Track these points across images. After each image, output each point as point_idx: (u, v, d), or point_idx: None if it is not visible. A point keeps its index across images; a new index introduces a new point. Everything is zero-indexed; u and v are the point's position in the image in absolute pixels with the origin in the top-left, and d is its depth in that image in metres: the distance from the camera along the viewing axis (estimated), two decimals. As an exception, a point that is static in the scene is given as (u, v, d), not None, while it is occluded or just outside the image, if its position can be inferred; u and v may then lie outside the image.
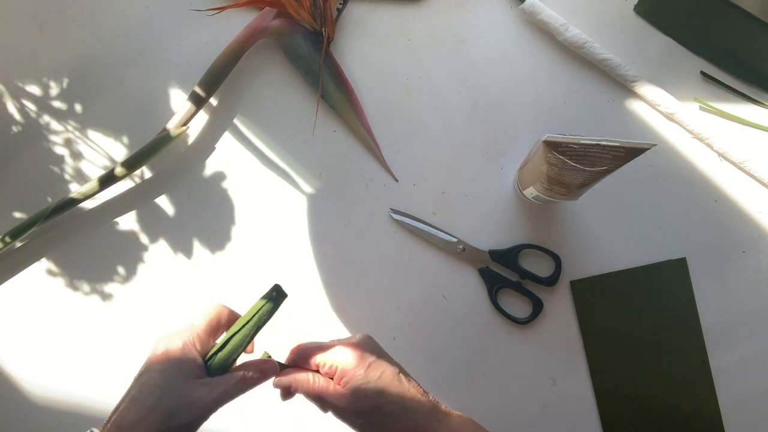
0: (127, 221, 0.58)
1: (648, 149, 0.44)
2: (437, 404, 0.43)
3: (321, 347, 0.44)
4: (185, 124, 0.56)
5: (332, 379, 0.43)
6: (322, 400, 0.43)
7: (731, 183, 0.57)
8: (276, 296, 0.44)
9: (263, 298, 0.44)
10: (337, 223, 0.58)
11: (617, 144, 0.44)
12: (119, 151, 0.58)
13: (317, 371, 0.44)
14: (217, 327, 0.44)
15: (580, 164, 0.45)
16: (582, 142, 0.44)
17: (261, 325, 0.43)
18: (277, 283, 0.44)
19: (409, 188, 0.58)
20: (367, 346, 0.44)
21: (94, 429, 0.39)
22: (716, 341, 0.56)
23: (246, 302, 0.56)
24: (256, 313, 0.43)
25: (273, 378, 0.44)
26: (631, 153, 0.44)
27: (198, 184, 0.58)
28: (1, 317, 0.58)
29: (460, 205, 0.58)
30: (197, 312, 0.45)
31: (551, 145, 0.44)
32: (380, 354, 0.44)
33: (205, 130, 0.59)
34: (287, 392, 0.44)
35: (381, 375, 0.42)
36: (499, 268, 0.57)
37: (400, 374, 0.43)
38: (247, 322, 0.43)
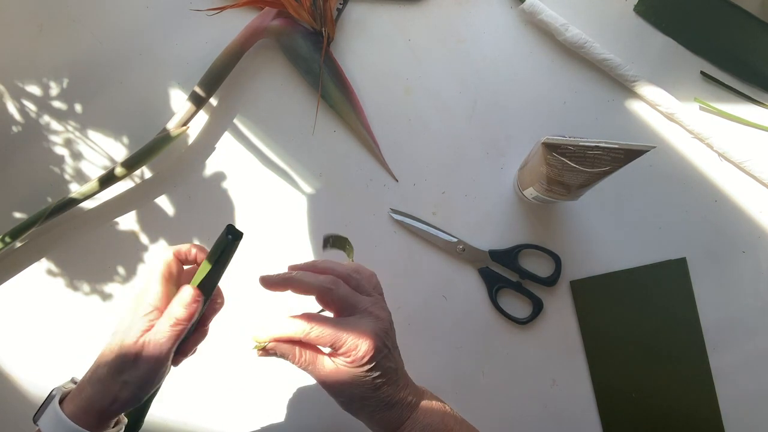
0: (127, 221, 0.58)
1: (647, 151, 0.44)
2: (416, 400, 0.43)
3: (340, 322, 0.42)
4: (185, 124, 0.56)
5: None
6: (311, 370, 0.42)
7: (731, 183, 0.57)
8: (232, 239, 0.41)
9: (219, 241, 0.42)
10: (337, 223, 0.58)
11: (616, 146, 0.44)
12: (119, 151, 0.58)
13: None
14: (172, 278, 0.43)
15: (580, 165, 0.45)
16: (581, 144, 0.44)
17: (221, 268, 0.42)
18: (230, 224, 0.42)
19: (409, 188, 0.58)
20: (387, 338, 0.43)
21: (74, 378, 0.43)
22: (716, 341, 0.56)
23: (245, 304, 0.56)
24: (218, 257, 0.41)
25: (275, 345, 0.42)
26: (630, 155, 0.44)
27: (198, 184, 0.58)
28: (1, 317, 0.58)
29: (460, 205, 0.58)
30: (149, 271, 0.44)
31: (551, 147, 0.44)
32: (392, 347, 0.43)
33: (205, 130, 0.59)
34: (268, 353, 0.43)
35: (381, 373, 0.41)
36: (499, 268, 0.57)
37: (398, 371, 0.43)
38: (214, 266, 0.41)
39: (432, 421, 0.43)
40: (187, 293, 0.41)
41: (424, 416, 0.43)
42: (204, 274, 0.42)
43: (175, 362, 0.44)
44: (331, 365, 0.42)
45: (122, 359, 0.39)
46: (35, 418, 0.40)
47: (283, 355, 0.42)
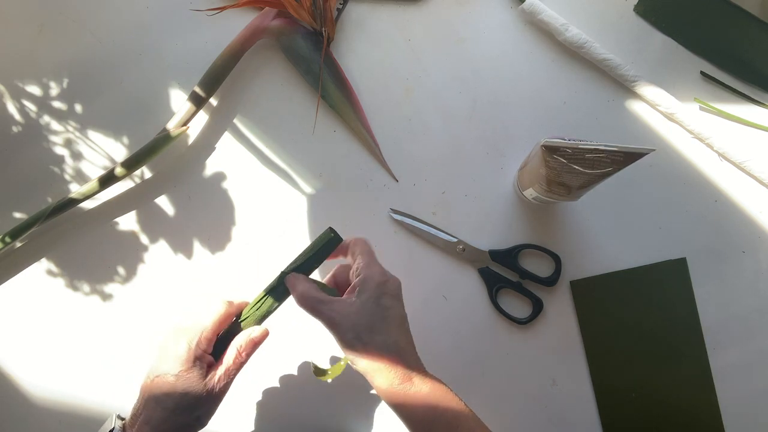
0: (127, 221, 0.58)
1: (646, 154, 0.44)
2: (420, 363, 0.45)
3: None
4: (185, 124, 0.56)
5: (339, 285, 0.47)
6: (317, 309, 0.44)
7: (731, 183, 0.57)
8: (333, 237, 0.47)
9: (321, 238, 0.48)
10: (337, 223, 0.58)
11: (615, 148, 0.44)
12: (119, 151, 0.58)
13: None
14: (222, 326, 0.47)
15: (579, 167, 0.45)
16: (580, 146, 0.44)
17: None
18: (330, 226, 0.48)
19: (409, 188, 0.58)
20: (396, 286, 0.46)
21: (119, 415, 0.44)
22: (716, 341, 0.56)
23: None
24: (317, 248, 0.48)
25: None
26: (629, 157, 0.44)
27: (198, 184, 0.58)
28: (1, 317, 0.58)
29: (460, 205, 0.58)
30: (204, 310, 0.47)
31: (550, 149, 0.44)
32: (401, 299, 0.46)
33: (205, 130, 0.59)
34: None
35: (391, 308, 0.44)
36: (499, 268, 0.57)
37: (406, 321, 0.45)
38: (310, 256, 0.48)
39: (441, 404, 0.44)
40: (259, 332, 0.46)
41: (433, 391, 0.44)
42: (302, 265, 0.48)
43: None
44: (342, 302, 0.44)
45: (196, 399, 0.42)
46: None
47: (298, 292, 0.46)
